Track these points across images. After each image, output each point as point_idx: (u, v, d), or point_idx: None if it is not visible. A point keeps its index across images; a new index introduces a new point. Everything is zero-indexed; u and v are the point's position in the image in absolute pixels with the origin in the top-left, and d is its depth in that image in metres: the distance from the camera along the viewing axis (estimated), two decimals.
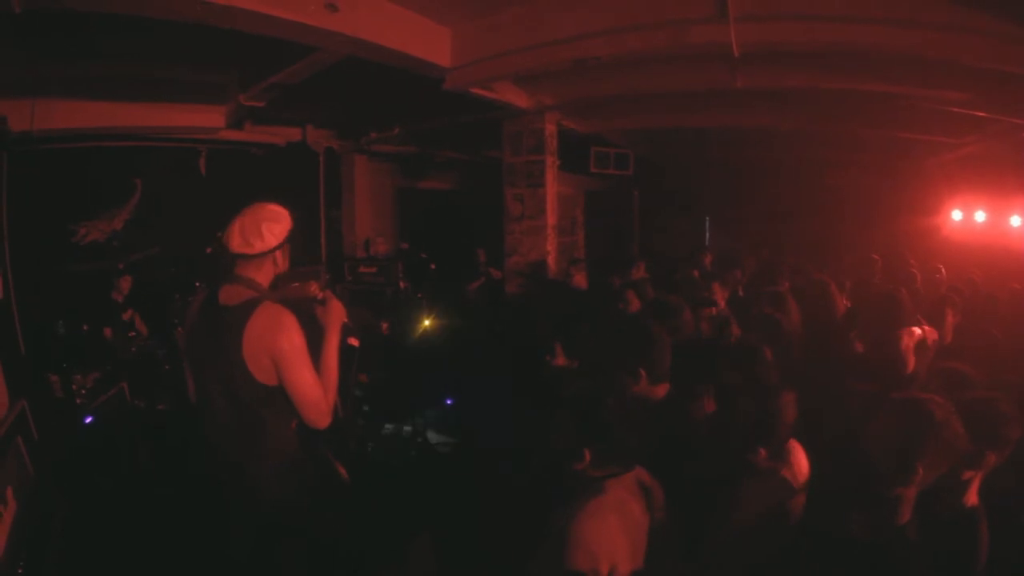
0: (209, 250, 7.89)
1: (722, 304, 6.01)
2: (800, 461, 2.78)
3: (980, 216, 9.44)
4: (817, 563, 2.30)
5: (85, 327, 6.53)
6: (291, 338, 2.78)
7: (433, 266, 8.62)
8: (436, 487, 4.85)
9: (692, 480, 2.88)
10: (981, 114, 6.76)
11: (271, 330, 2.75)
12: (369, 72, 5.60)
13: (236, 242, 2.89)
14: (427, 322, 7.11)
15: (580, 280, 7.37)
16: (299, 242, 3.12)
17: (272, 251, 2.92)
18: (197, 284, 7.17)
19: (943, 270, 7.74)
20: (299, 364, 2.79)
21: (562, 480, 2.49)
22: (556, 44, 5.41)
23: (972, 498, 2.43)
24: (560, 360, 4.17)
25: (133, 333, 6.80)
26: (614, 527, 2.30)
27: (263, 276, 2.95)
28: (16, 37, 4.60)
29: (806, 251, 10.49)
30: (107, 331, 6.60)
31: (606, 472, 2.41)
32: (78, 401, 5.73)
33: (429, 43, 5.64)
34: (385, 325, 7.18)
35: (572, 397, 2.60)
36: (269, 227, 2.89)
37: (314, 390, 2.83)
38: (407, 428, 6.30)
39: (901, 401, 2.32)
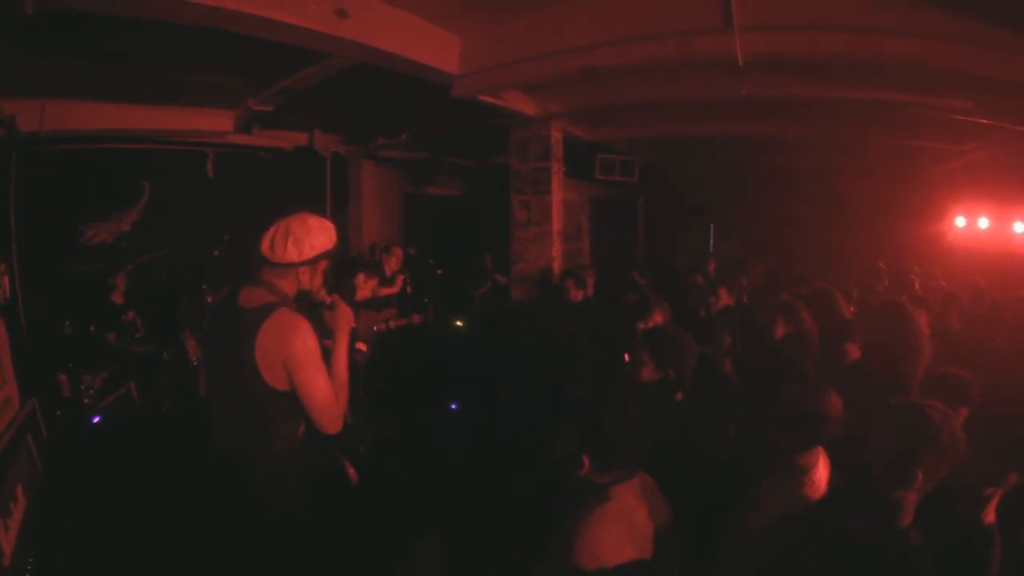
0: (216, 252, 7.93)
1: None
2: (824, 465, 2.81)
3: (984, 223, 9.43)
4: (817, 563, 2.28)
5: (92, 327, 6.54)
6: (305, 343, 2.75)
7: (440, 272, 8.67)
8: (441, 489, 4.85)
9: (698, 484, 2.90)
10: (985, 122, 6.80)
11: (285, 334, 2.73)
12: (377, 78, 5.64)
13: (265, 245, 2.87)
14: (458, 323, 7.14)
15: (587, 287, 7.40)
16: None
17: (294, 265, 2.87)
18: (204, 286, 7.21)
19: (939, 279, 7.76)
20: (312, 369, 2.78)
21: (566, 485, 2.48)
22: (564, 53, 5.45)
23: (990, 515, 2.41)
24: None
25: (139, 334, 6.81)
26: (620, 534, 2.29)
27: (286, 285, 2.91)
28: (26, 39, 4.61)
29: (811, 258, 10.49)
30: (111, 335, 6.59)
31: (611, 478, 2.39)
32: (86, 401, 5.76)
33: (438, 50, 5.67)
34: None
35: (572, 403, 2.61)
36: (296, 241, 2.84)
37: (326, 395, 2.82)
38: (413, 431, 6.31)
39: (899, 407, 2.32)
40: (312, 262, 2.92)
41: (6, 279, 5.61)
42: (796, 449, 2.75)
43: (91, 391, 5.80)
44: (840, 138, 9.15)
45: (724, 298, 6.65)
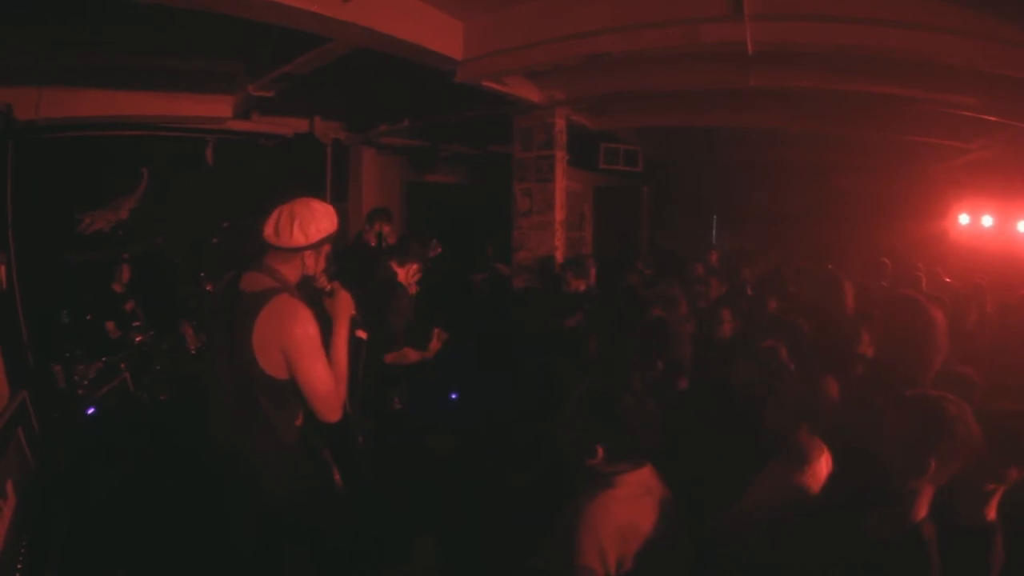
0: (215, 240, 7.86)
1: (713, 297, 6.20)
2: (824, 459, 2.81)
3: (987, 221, 9.37)
4: (831, 560, 2.29)
5: (89, 317, 6.46)
6: (305, 329, 2.73)
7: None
8: (440, 486, 4.81)
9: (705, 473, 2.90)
10: (991, 118, 6.76)
11: (284, 320, 2.71)
12: (380, 64, 5.55)
13: (268, 230, 2.85)
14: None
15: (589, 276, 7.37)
16: None
17: (299, 249, 2.86)
18: (202, 274, 7.14)
19: (943, 276, 7.70)
20: (312, 356, 2.75)
21: (569, 477, 2.53)
22: (569, 39, 5.37)
23: (991, 512, 2.42)
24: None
25: (137, 323, 6.73)
26: (623, 521, 2.32)
27: (289, 271, 2.90)
28: (23, 25, 4.53)
29: (811, 253, 10.46)
30: (110, 325, 6.51)
31: (619, 468, 2.42)
32: (79, 392, 5.68)
33: (442, 35, 5.59)
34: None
35: (587, 393, 2.57)
36: (302, 224, 2.83)
37: (326, 383, 2.79)
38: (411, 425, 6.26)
39: (914, 397, 2.34)
40: (317, 246, 2.91)
41: (3, 268, 5.55)
42: (796, 437, 2.80)
43: (85, 382, 5.73)
44: (842, 133, 9.14)
45: (715, 288, 6.82)
